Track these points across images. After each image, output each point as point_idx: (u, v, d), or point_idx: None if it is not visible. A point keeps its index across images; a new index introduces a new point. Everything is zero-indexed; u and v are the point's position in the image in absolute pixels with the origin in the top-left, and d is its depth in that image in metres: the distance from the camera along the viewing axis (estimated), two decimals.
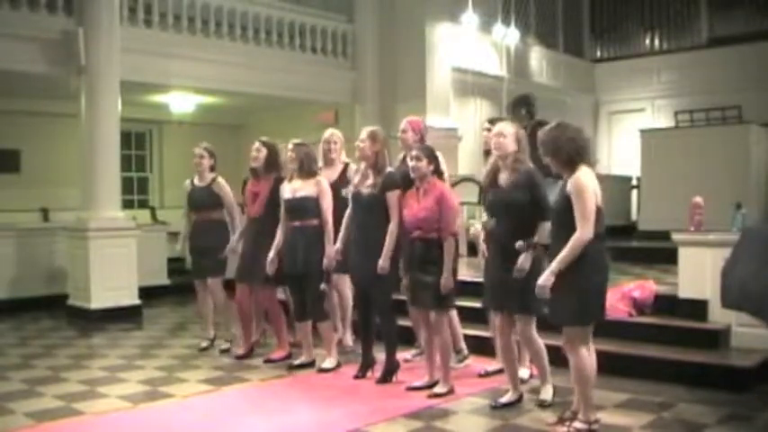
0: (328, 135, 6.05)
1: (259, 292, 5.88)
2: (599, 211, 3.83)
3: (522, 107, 6.46)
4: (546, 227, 4.21)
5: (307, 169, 5.47)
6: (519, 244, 4.20)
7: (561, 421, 4.09)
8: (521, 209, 4.28)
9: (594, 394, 4.01)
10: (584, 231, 3.73)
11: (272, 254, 5.55)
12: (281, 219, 5.59)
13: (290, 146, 5.52)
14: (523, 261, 4.20)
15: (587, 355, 3.91)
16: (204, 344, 6.40)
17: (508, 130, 4.39)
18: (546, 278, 3.85)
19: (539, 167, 4.33)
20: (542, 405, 4.47)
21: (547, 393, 4.54)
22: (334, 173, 5.89)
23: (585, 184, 3.78)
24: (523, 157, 4.37)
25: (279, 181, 5.77)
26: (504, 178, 4.40)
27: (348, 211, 5.31)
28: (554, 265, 3.82)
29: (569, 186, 3.81)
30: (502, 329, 4.48)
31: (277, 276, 5.64)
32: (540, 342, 4.50)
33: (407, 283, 4.88)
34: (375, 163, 5.09)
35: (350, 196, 5.27)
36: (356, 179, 5.24)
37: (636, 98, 13.91)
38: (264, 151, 5.85)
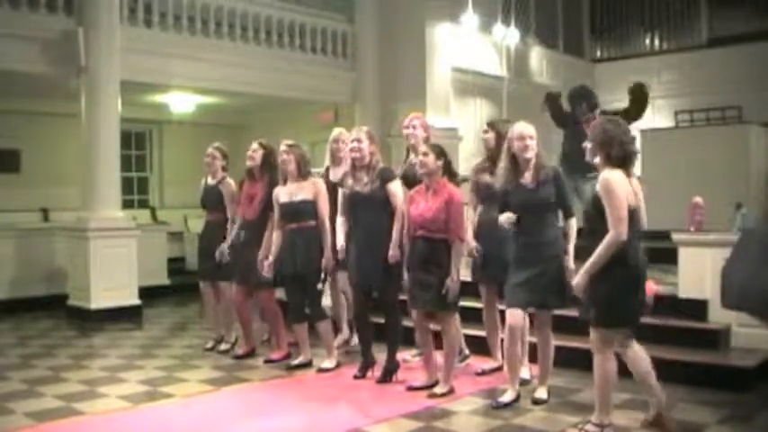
0: (337, 134, 6.05)
1: (258, 293, 5.87)
2: (634, 212, 3.78)
3: (582, 101, 6.42)
4: (572, 224, 4.36)
5: (303, 171, 5.46)
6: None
7: (646, 423, 4.07)
8: (546, 207, 4.35)
9: (612, 400, 3.98)
10: (617, 232, 3.68)
11: (270, 258, 5.53)
12: (275, 222, 5.56)
13: (284, 147, 5.49)
14: (578, 282, 3.91)
15: (612, 360, 3.87)
16: (210, 344, 6.40)
17: (533, 132, 4.45)
18: (581, 279, 3.81)
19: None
20: (536, 402, 4.49)
21: (542, 393, 4.56)
22: (341, 171, 5.82)
23: (614, 184, 3.72)
24: (543, 154, 4.46)
25: (273, 184, 5.72)
26: (527, 178, 4.42)
27: (340, 213, 5.28)
28: (587, 265, 3.78)
29: (598, 186, 3.78)
30: (514, 327, 4.40)
31: (275, 278, 5.64)
32: (553, 342, 4.57)
33: (408, 282, 4.88)
34: (370, 162, 5.08)
35: (345, 197, 5.22)
36: (349, 180, 5.20)
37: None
38: (261, 152, 5.83)
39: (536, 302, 4.45)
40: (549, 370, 4.61)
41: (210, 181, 6.34)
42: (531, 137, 4.42)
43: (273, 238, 5.57)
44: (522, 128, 4.47)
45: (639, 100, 6.48)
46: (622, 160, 3.81)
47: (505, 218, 4.50)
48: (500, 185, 4.58)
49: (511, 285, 4.48)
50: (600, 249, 3.72)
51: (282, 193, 5.51)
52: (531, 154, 4.40)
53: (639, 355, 3.93)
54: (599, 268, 3.74)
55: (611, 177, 3.75)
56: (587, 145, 3.91)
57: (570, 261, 4.38)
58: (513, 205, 4.47)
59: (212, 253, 6.11)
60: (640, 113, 6.61)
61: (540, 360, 4.62)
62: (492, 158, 5.08)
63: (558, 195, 4.41)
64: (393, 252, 4.94)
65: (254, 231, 5.78)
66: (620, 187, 3.73)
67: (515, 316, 4.40)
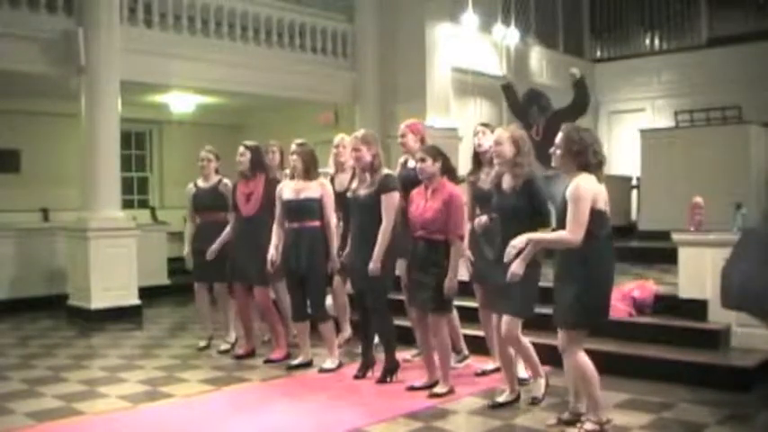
0: (339, 140, 6.03)
1: (256, 291, 5.88)
2: (602, 214, 3.81)
3: (533, 104, 6.45)
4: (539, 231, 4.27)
5: (312, 171, 5.46)
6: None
7: (561, 423, 4.08)
8: (520, 214, 4.26)
9: (601, 394, 4.00)
10: (573, 235, 3.73)
11: (272, 252, 5.53)
12: (277, 219, 5.58)
13: (294, 146, 5.51)
14: (516, 267, 4.06)
15: (583, 356, 3.90)
16: (202, 343, 6.42)
17: (503, 137, 4.37)
18: (517, 265, 3.98)
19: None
20: (534, 402, 4.47)
21: (539, 390, 4.54)
22: (345, 178, 5.76)
23: (584, 191, 3.76)
24: (522, 161, 4.33)
25: (271, 180, 5.79)
26: (506, 183, 4.40)
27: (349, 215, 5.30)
28: (534, 240, 3.91)
29: (568, 191, 3.80)
30: (498, 330, 4.46)
31: (272, 275, 5.68)
32: (526, 341, 4.45)
33: (407, 282, 4.88)
34: (372, 164, 5.09)
35: (348, 199, 5.26)
36: (354, 183, 5.24)
37: (636, 98, 13.88)
38: (248, 154, 5.84)
39: (500, 308, 4.40)
40: (536, 366, 4.55)
41: (203, 183, 6.35)
42: (498, 143, 4.36)
43: (274, 235, 5.58)
44: (497, 134, 4.46)
45: (580, 89, 6.51)
46: (596, 167, 3.85)
47: (477, 220, 4.65)
48: (489, 187, 4.64)
49: (487, 289, 4.59)
50: (552, 237, 3.86)
51: (287, 190, 5.52)
52: (497, 160, 4.39)
53: (585, 360, 3.90)
54: (562, 267, 3.86)
55: (582, 184, 3.78)
56: (556, 152, 3.92)
57: (519, 264, 4.08)
58: (493, 209, 4.52)
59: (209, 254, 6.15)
60: (585, 100, 6.68)
61: (524, 361, 4.62)
62: (478, 160, 5.15)
63: (532, 203, 4.27)
64: (374, 266, 4.92)
65: (253, 229, 5.78)
66: (588, 194, 3.77)
67: (494, 319, 4.48)
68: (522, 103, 6.73)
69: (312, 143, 5.71)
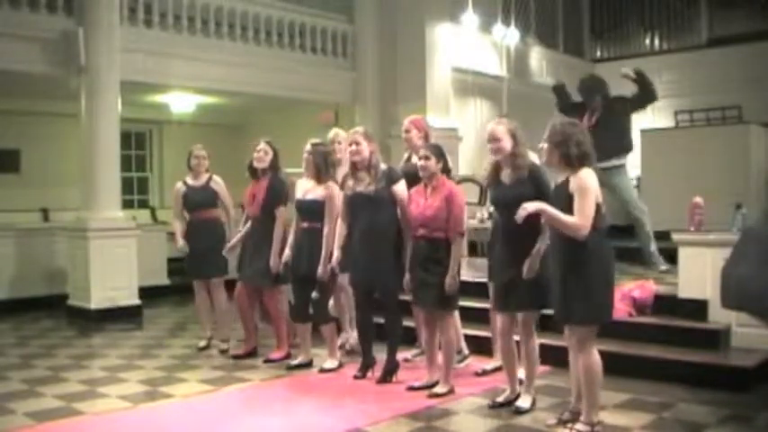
0: (332, 135, 6.04)
1: (260, 291, 5.88)
2: (599, 209, 3.84)
3: (597, 93, 6.43)
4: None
5: (322, 173, 5.42)
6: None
7: (561, 423, 4.08)
8: (519, 205, 4.23)
9: (601, 396, 4.01)
10: (584, 227, 3.74)
11: (287, 252, 5.55)
12: (295, 218, 5.59)
13: (308, 146, 5.48)
14: (532, 262, 4.16)
15: (597, 355, 3.90)
16: (202, 343, 6.41)
17: (500, 132, 4.33)
18: (530, 262, 4.10)
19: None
20: (518, 412, 4.33)
21: (526, 401, 4.40)
22: (341, 173, 5.70)
23: (590, 184, 3.81)
24: (522, 151, 4.32)
25: (275, 180, 5.78)
26: (506, 175, 4.38)
27: (341, 217, 5.24)
28: (550, 213, 3.84)
29: (573, 185, 3.82)
30: (503, 329, 4.46)
31: (280, 276, 5.69)
32: (536, 343, 4.42)
33: (411, 282, 4.88)
34: (370, 162, 5.07)
35: (346, 199, 5.18)
36: (350, 182, 5.17)
37: None
38: (272, 153, 5.83)
39: (511, 306, 4.37)
40: (533, 374, 4.45)
41: (194, 181, 6.36)
42: (497, 139, 4.32)
43: (292, 233, 5.58)
44: (491, 129, 4.41)
45: (644, 86, 6.51)
46: (579, 159, 3.86)
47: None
48: (485, 182, 4.63)
49: (494, 287, 4.56)
50: (563, 218, 3.78)
51: (299, 189, 5.54)
52: (498, 156, 4.36)
53: (598, 360, 3.90)
54: (567, 262, 3.84)
55: (586, 177, 3.82)
56: (543, 146, 3.96)
57: (533, 260, 4.18)
58: (492, 202, 4.55)
59: (206, 252, 6.17)
60: (647, 100, 6.71)
61: (526, 363, 4.47)
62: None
63: (539, 191, 4.19)
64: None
65: (255, 229, 5.83)
66: (593, 188, 3.81)
67: (499, 319, 4.45)
68: (583, 89, 6.68)
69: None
